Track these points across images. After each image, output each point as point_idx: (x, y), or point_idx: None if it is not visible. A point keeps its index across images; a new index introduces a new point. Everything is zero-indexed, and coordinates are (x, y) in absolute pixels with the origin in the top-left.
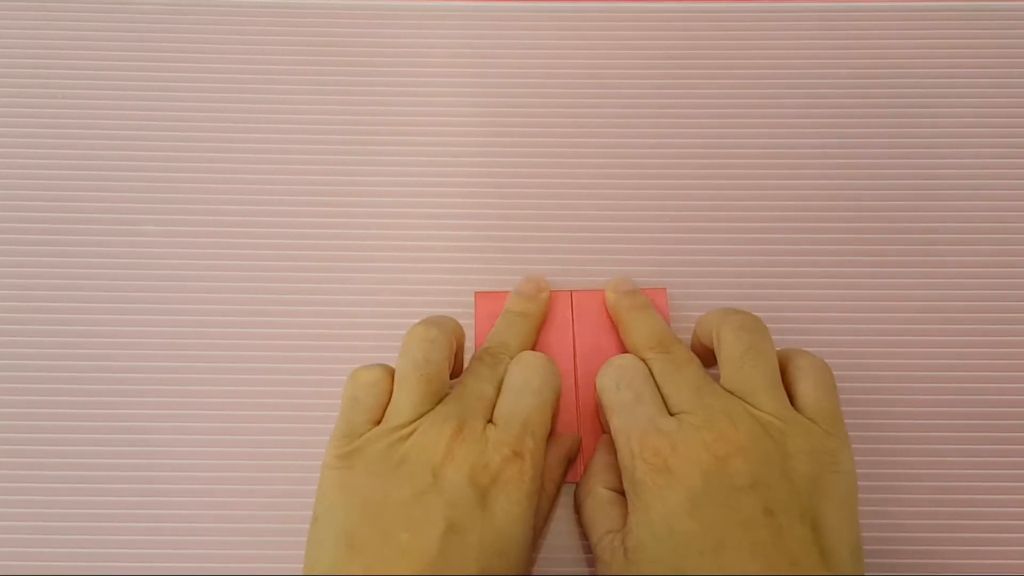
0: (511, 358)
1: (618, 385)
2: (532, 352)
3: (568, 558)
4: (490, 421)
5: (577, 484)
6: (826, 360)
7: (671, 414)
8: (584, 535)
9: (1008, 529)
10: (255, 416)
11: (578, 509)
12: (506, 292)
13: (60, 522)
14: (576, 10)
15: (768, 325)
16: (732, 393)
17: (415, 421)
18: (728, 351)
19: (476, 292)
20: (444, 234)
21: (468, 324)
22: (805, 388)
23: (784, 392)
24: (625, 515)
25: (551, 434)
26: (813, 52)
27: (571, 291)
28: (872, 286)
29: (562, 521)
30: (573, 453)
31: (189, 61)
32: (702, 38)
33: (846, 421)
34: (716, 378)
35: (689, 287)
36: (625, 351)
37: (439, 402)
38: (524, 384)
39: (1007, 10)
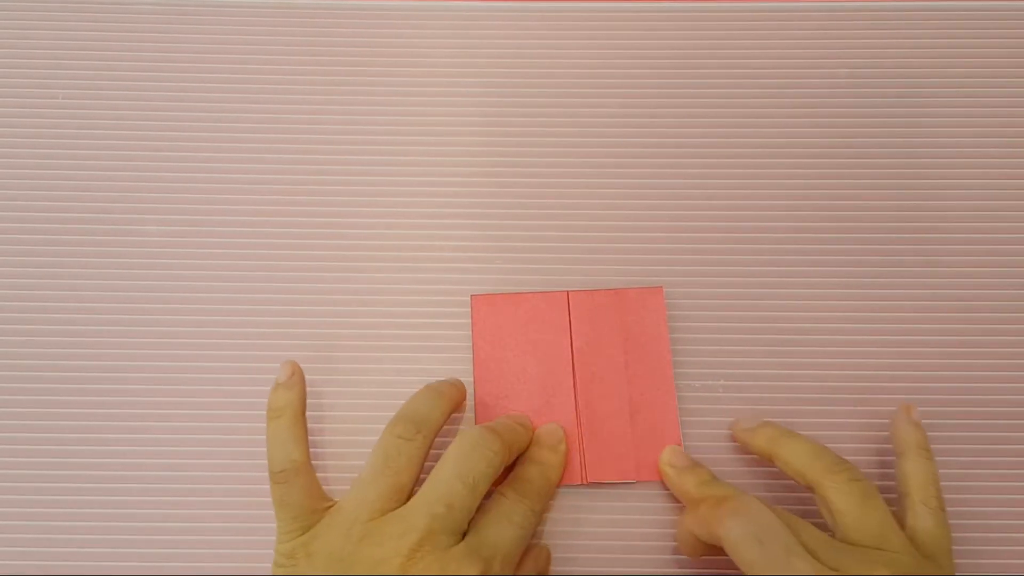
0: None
1: (760, 539)
2: (526, 476)
3: (568, 557)
4: (462, 534)
5: None
6: (824, 359)
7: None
8: (584, 536)
9: (1008, 529)
10: (255, 416)
11: None
12: (502, 294)
13: (60, 522)
14: (576, 10)
15: (764, 325)
16: (857, 544)
17: (372, 521)
18: (846, 500)
19: (472, 295)
20: (441, 234)
21: (465, 324)
22: (925, 525)
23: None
24: None
25: None
26: (813, 52)
27: (567, 291)
28: (871, 286)
29: (562, 523)
30: (542, 564)
31: (189, 61)
32: (702, 38)
33: (850, 421)
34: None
35: (686, 286)
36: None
37: (405, 500)
38: (508, 514)
39: (1007, 10)
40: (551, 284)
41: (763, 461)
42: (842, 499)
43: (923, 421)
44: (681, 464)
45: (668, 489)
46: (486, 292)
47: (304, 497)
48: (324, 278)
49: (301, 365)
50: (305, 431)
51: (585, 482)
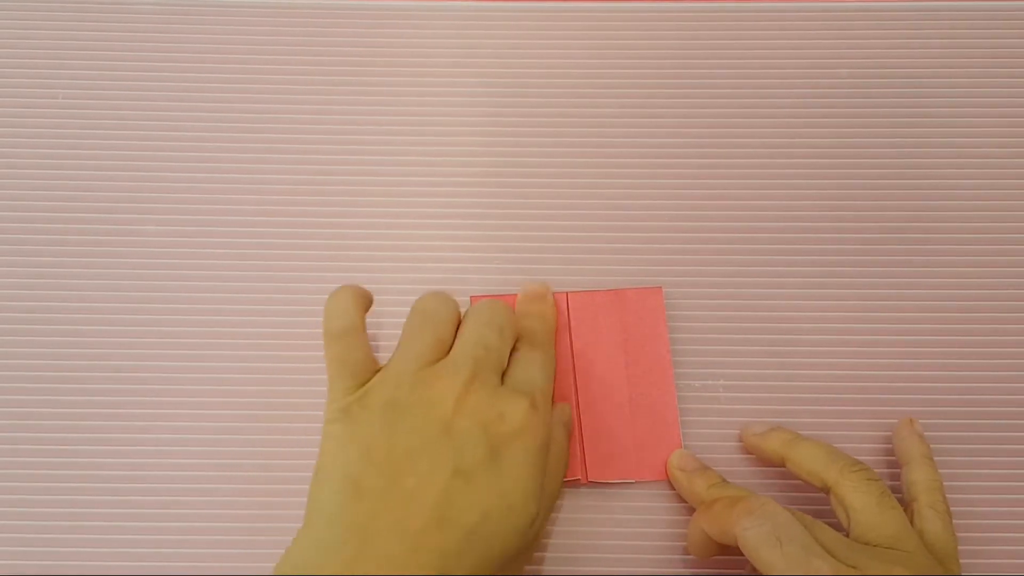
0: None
1: (779, 539)
2: (532, 327)
3: (569, 557)
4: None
5: None
6: (824, 359)
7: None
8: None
9: (1008, 529)
10: (255, 416)
11: None
12: (502, 295)
13: (60, 522)
14: (576, 10)
15: (764, 325)
16: (872, 543)
17: (422, 370)
18: (863, 499)
19: (472, 296)
20: (441, 234)
21: None
22: (935, 527)
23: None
24: None
25: None
26: (813, 52)
27: (567, 292)
28: (871, 286)
29: (563, 522)
30: (568, 420)
31: (189, 61)
32: (702, 38)
33: (850, 421)
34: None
35: (686, 286)
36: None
37: (446, 354)
38: (531, 361)
39: (1007, 10)
40: (550, 284)
41: (766, 463)
42: (859, 498)
43: (923, 422)
44: (691, 467)
45: (670, 489)
46: (485, 292)
47: (361, 354)
48: (324, 278)
49: (302, 366)
50: (364, 308)
51: (586, 481)
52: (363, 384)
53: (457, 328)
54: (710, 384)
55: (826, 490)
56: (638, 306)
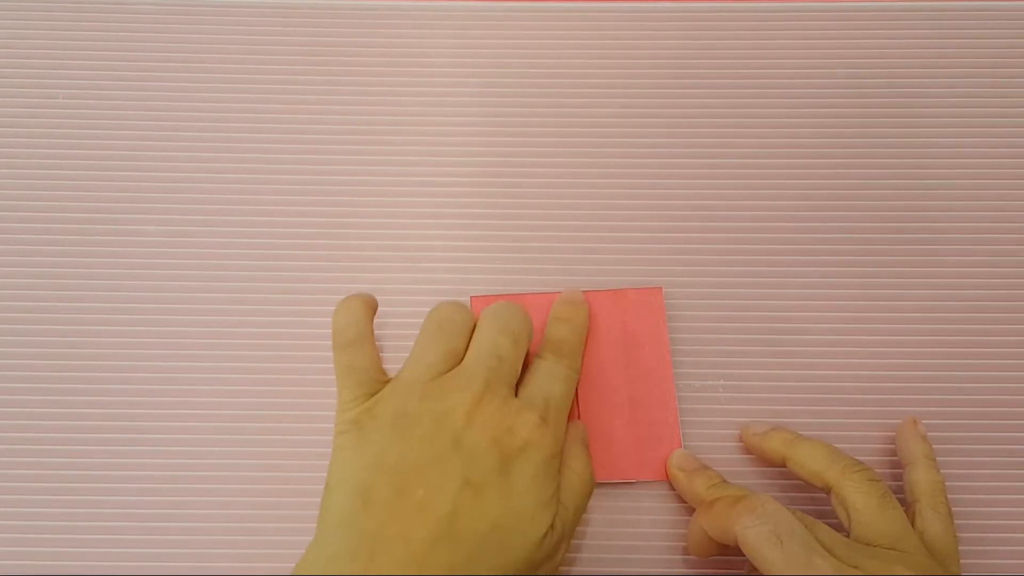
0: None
1: (780, 538)
2: (561, 336)
3: (569, 557)
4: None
5: None
6: (824, 359)
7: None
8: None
9: (1008, 529)
10: (255, 416)
11: None
12: (502, 295)
13: (61, 522)
14: (576, 10)
15: (764, 325)
16: (873, 544)
17: (433, 381)
18: (865, 499)
19: (472, 296)
20: (440, 233)
21: None
22: (936, 529)
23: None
24: None
25: None
26: (812, 52)
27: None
28: (871, 286)
29: None
30: (584, 437)
31: (189, 61)
32: (701, 38)
33: (850, 421)
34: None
35: (686, 286)
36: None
37: (457, 364)
38: (552, 372)
39: (1007, 10)
40: (550, 284)
41: (767, 463)
42: (861, 499)
43: (924, 422)
44: (691, 467)
45: (671, 489)
46: (485, 292)
47: (370, 364)
48: (324, 277)
49: (302, 365)
50: (373, 313)
51: None
52: (373, 394)
53: (471, 335)
54: (710, 384)
55: (827, 490)
56: (638, 306)
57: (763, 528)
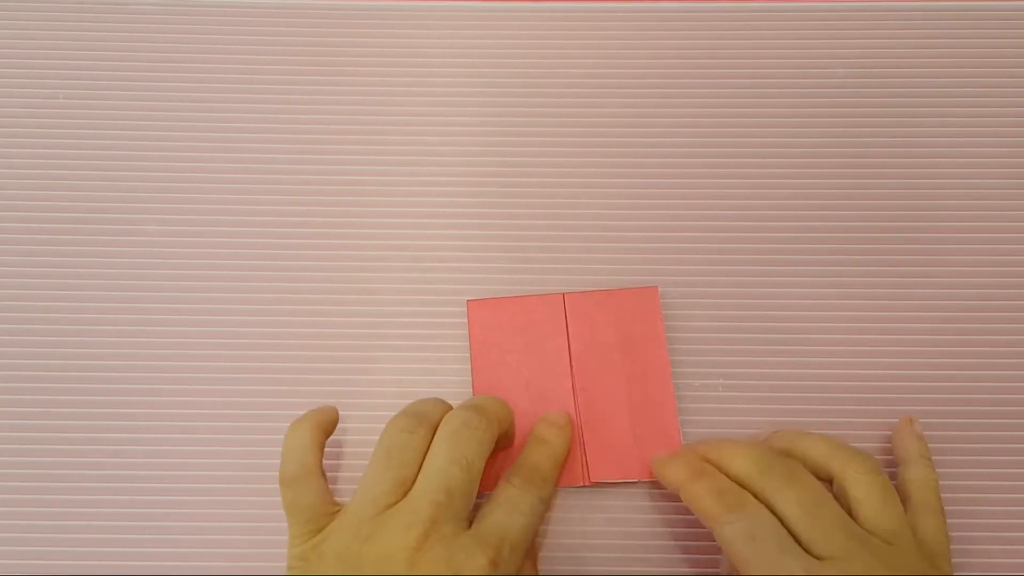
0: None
1: (754, 537)
2: (533, 463)
3: (569, 557)
4: (467, 520)
5: None
6: (824, 358)
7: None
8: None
9: (1007, 529)
10: (256, 416)
11: None
12: (498, 298)
13: (61, 521)
14: (576, 10)
15: (763, 324)
16: (872, 533)
17: (379, 516)
18: (867, 491)
19: (468, 300)
20: (436, 233)
21: (462, 325)
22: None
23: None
24: None
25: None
26: (812, 52)
27: (563, 294)
28: (870, 285)
29: (562, 522)
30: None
31: (189, 61)
32: (701, 38)
33: (849, 420)
34: None
35: (684, 285)
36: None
37: (406, 493)
38: (516, 504)
39: (1007, 10)
40: (548, 284)
41: None
42: (863, 490)
43: (923, 421)
44: (664, 458)
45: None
46: (481, 294)
47: (315, 500)
48: (324, 277)
49: (301, 363)
50: (322, 442)
51: (588, 483)
52: (320, 529)
53: (424, 457)
54: (709, 384)
55: (831, 480)
56: (634, 306)
57: (739, 526)
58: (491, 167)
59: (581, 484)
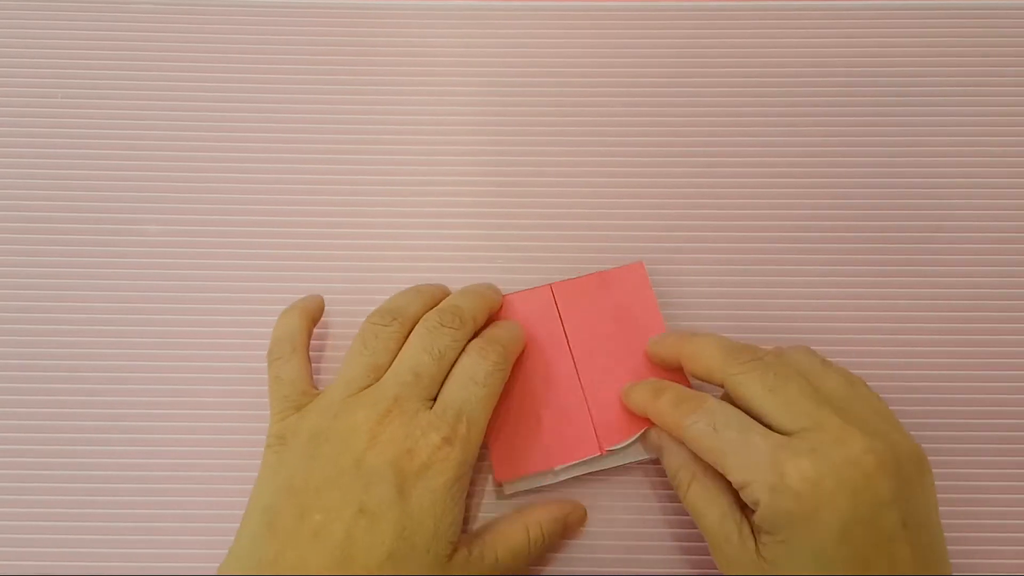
0: (472, 330)
1: (715, 427)
2: (492, 334)
3: (569, 557)
4: (432, 400)
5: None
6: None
7: (780, 431)
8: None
9: (1007, 529)
10: (255, 415)
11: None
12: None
13: (60, 522)
14: (576, 10)
15: (764, 324)
16: (793, 432)
17: (350, 397)
18: (750, 389)
19: None
20: (438, 232)
21: None
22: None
23: None
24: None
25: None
26: (811, 51)
27: (550, 284)
28: (870, 284)
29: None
30: (572, 522)
31: (189, 61)
32: (700, 37)
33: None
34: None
35: (686, 285)
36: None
37: (379, 378)
38: (472, 374)
39: (1007, 10)
40: (535, 277)
41: (669, 371)
42: (747, 390)
43: (923, 421)
44: (630, 385)
45: (670, 489)
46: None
47: (297, 376)
48: (325, 277)
49: None
50: (310, 328)
51: (602, 452)
52: (299, 408)
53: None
54: None
55: (723, 387)
56: (623, 283)
57: (700, 424)
58: (495, 165)
59: (595, 454)
